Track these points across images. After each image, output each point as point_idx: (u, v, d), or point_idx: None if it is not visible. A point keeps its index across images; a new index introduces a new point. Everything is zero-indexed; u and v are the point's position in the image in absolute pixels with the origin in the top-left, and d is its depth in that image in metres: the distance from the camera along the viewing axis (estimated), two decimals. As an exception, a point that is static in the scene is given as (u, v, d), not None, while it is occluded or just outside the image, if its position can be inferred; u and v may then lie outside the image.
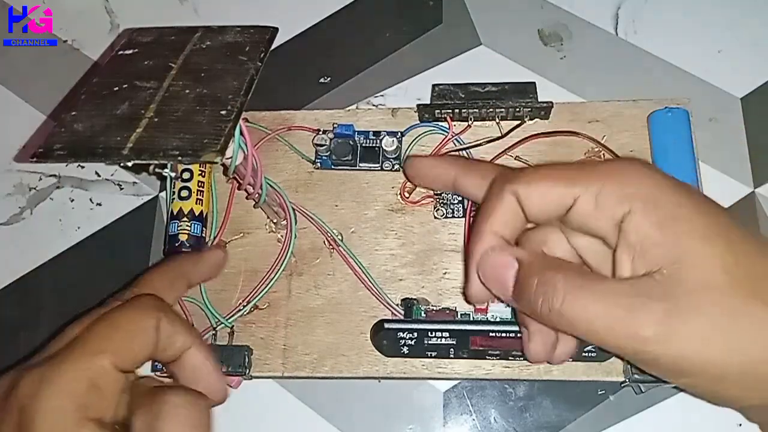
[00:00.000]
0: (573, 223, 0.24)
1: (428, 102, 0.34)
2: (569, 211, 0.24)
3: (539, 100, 0.33)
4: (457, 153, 0.34)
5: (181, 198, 0.34)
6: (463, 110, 0.34)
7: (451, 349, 0.30)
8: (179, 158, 0.22)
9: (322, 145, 0.35)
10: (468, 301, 0.28)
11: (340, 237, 0.34)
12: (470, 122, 0.35)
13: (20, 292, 0.38)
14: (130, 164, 0.23)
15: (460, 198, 0.34)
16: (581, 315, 0.22)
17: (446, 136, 0.35)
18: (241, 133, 0.25)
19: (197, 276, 0.32)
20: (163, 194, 0.39)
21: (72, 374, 0.22)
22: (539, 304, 0.23)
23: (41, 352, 0.24)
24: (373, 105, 0.39)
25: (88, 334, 0.23)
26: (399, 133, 0.35)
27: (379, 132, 0.35)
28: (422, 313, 0.31)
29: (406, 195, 0.35)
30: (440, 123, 0.35)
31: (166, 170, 0.27)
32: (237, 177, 0.28)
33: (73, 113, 0.24)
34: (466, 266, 0.28)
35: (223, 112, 0.24)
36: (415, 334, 0.29)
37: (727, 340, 0.21)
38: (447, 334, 0.29)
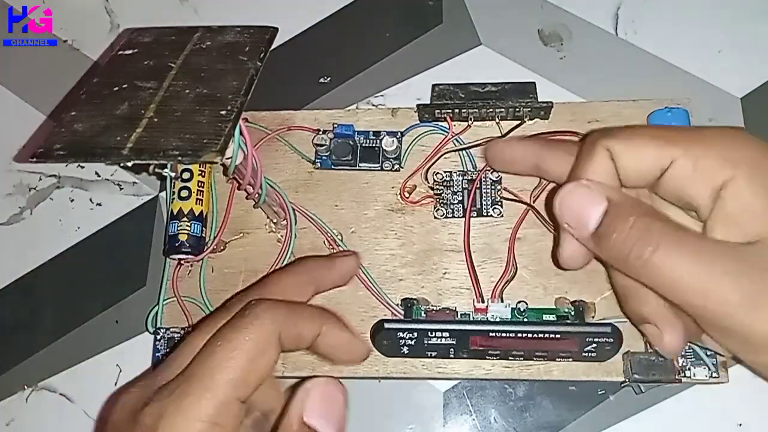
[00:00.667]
0: (667, 187, 0.23)
1: (428, 102, 0.34)
2: (664, 174, 0.22)
3: (539, 100, 0.33)
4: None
5: (181, 198, 0.34)
6: (463, 110, 0.34)
7: (451, 349, 0.30)
8: (179, 158, 0.22)
9: (322, 145, 0.35)
10: (560, 265, 0.25)
11: (340, 237, 0.34)
12: (470, 122, 0.35)
13: (20, 292, 0.38)
14: (130, 164, 0.23)
15: (460, 198, 0.34)
16: (674, 269, 0.20)
17: (446, 136, 0.35)
18: (241, 133, 0.25)
19: (327, 283, 0.30)
20: (163, 194, 0.39)
21: (193, 413, 0.21)
22: (629, 250, 0.21)
23: (164, 365, 0.23)
24: (373, 105, 0.39)
25: (208, 362, 0.22)
26: (399, 133, 0.35)
27: (379, 132, 0.35)
28: (422, 313, 0.31)
29: (406, 195, 0.35)
30: (440, 123, 0.35)
31: (166, 170, 0.27)
32: (237, 177, 0.28)
33: (73, 113, 0.24)
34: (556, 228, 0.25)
35: (223, 112, 0.24)
36: (415, 334, 0.29)
37: None
38: (447, 334, 0.29)
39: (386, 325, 0.30)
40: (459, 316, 0.31)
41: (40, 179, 0.41)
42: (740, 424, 0.31)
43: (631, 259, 0.21)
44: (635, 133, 0.23)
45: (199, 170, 0.34)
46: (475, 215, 0.33)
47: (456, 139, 0.35)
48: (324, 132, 0.35)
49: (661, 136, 0.23)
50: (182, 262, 0.34)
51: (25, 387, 0.36)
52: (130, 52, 0.27)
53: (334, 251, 0.34)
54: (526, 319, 0.31)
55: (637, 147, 0.23)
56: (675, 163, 0.22)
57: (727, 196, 0.21)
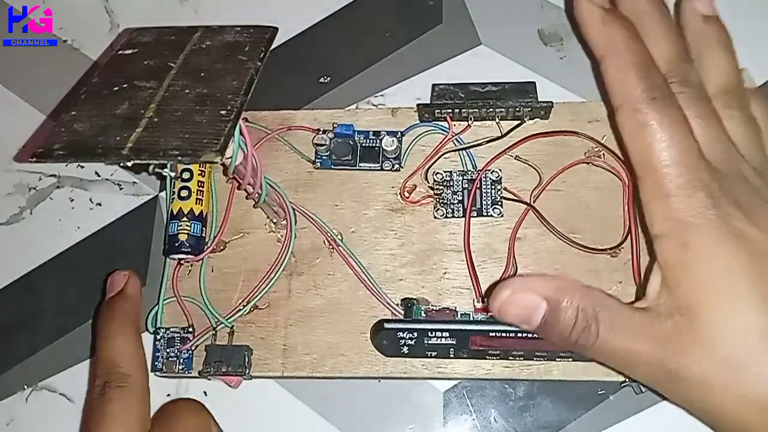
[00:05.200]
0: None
1: (428, 102, 0.34)
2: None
3: (539, 100, 0.33)
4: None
5: (180, 198, 0.34)
6: (463, 110, 0.34)
7: (451, 349, 0.30)
8: (179, 158, 0.22)
9: (322, 145, 0.35)
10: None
11: (340, 237, 0.34)
12: (470, 122, 0.35)
13: (20, 292, 0.38)
14: (130, 164, 0.23)
15: (460, 198, 0.34)
16: (613, 348, 0.24)
17: (446, 136, 0.35)
18: (241, 133, 0.25)
19: (136, 313, 0.34)
20: (162, 194, 0.39)
21: None
22: (574, 339, 0.24)
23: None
24: (373, 105, 0.39)
25: None
26: (399, 133, 0.35)
27: (379, 132, 0.35)
28: (422, 313, 0.31)
29: (406, 195, 0.35)
30: (440, 123, 0.35)
31: (165, 170, 0.27)
32: (237, 177, 0.28)
33: (73, 113, 0.24)
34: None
35: (222, 112, 0.24)
36: (415, 334, 0.29)
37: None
38: (447, 334, 0.29)
39: (386, 325, 0.30)
40: (459, 316, 0.31)
41: (40, 179, 0.41)
42: (740, 424, 0.31)
43: (575, 345, 0.24)
44: None
45: (199, 170, 0.34)
46: (475, 215, 0.33)
47: (456, 139, 0.35)
48: (324, 132, 0.35)
49: None
50: (182, 262, 0.34)
51: (25, 387, 0.36)
52: (130, 51, 0.27)
53: (333, 252, 0.34)
54: (526, 319, 0.31)
55: None
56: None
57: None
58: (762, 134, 0.28)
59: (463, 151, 0.35)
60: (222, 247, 0.35)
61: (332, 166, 0.35)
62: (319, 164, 0.35)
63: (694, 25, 0.29)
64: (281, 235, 0.34)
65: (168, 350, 0.33)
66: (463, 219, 0.33)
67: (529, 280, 0.25)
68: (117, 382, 0.28)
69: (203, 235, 0.34)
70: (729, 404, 0.23)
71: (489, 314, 0.31)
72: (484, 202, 0.34)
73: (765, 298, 0.22)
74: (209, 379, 0.33)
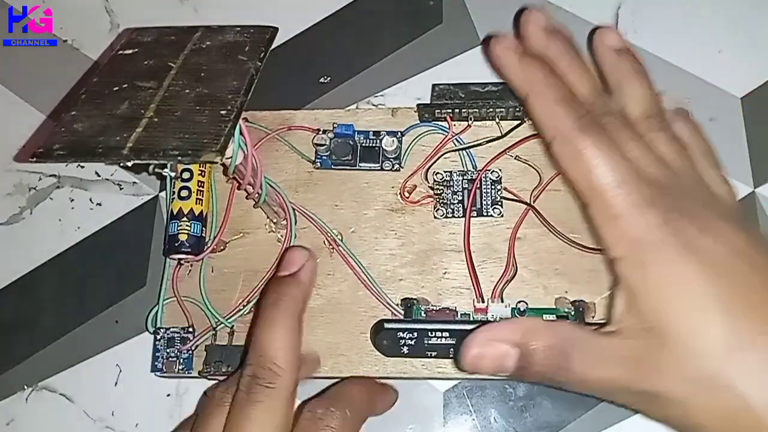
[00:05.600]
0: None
1: (428, 102, 0.34)
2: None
3: (539, 100, 0.33)
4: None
5: (180, 198, 0.34)
6: (463, 110, 0.34)
7: (451, 349, 0.30)
8: (179, 158, 0.22)
9: (322, 145, 0.35)
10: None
11: (340, 237, 0.34)
12: (470, 122, 0.35)
13: (20, 292, 0.38)
14: (130, 164, 0.23)
15: (460, 198, 0.34)
16: (586, 377, 0.24)
17: (446, 136, 0.35)
18: (241, 133, 0.25)
19: (367, 417, 0.30)
20: (162, 194, 0.39)
21: None
22: (549, 376, 0.25)
23: None
24: (373, 105, 0.39)
25: None
26: (399, 133, 0.35)
27: (379, 132, 0.35)
28: (422, 312, 0.31)
29: (406, 195, 0.35)
30: (440, 123, 0.35)
31: (165, 170, 0.27)
32: (237, 177, 0.28)
33: (73, 113, 0.24)
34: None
35: (222, 112, 0.24)
36: (415, 334, 0.29)
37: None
38: (447, 334, 0.29)
39: (386, 325, 0.30)
40: (459, 316, 0.31)
41: (40, 179, 0.41)
42: (740, 424, 0.31)
43: (553, 383, 0.25)
44: None
45: (199, 170, 0.34)
46: (475, 215, 0.33)
47: (456, 139, 0.35)
48: (324, 132, 0.35)
49: None
50: (182, 262, 0.34)
51: (25, 387, 0.36)
52: (130, 51, 0.27)
53: (333, 252, 0.34)
54: (526, 319, 0.31)
55: None
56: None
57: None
58: (689, 151, 0.28)
59: (463, 151, 0.35)
60: (222, 247, 0.35)
61: (332, 166, 0.35)
62: (319, 164, 0.35)
63: (608, 59, 0.30)
64: (281, 235, 0.34)
65: (168, 350, 0.33)
66: (463, 219, 0.33)
67: (495, 330, 0.25)
68: (267, 380, 0.25)
69: (203, 235, 0.34)
70: (705, 420, 0.23)
71: (489, 314, 0.31)
72: (484, 202, 0.34)
73: (727, 309, 0.22)
74: (209, 379, 0.33)
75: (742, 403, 0.22)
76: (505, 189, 0.34)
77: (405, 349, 0.30)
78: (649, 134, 0.27)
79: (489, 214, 0.33)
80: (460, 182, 0.34)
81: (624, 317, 0.24)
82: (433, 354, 0.30)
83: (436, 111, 0.34)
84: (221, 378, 0.32)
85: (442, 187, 0.34)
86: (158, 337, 0.33)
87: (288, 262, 0.29)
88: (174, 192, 0.34)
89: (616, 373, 0.24)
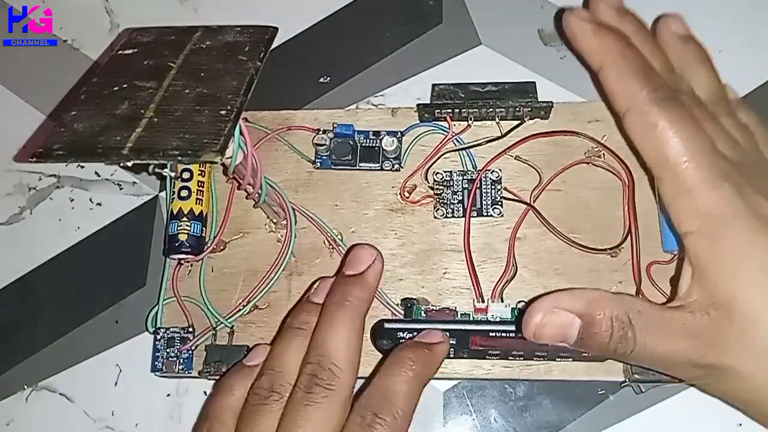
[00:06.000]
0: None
1: (428, 102, 0.34)
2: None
3: (539, 100, 0.33)
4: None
5: (180, 198, 0.34)
6: (463, 110, 0.34)
7: (451, 349, 0.30)
8: (179, 158, 0.22)
9: (322, 145, 0.35)
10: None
11: (340, 237, 0.34)
12: (470, 122, 0.35)
13: (20, 292, 0.38)
14: (130, 164, 0.23)
15: (460, 198, 0.34)
16: (650, 352, 0.24)
17: (446, 136, 0.35)
18: (241, 133, 0.25)
19: (429, 378, 0.28)
20: (162, 194, 0.39)
21: None
22: (612, 349, 0.24)
23: None
24: (373, 105, 0.39)
25: None
26: (399, 133, 0.35)
27: (379, 132, 0.35)
28: (422, 313, 0.31)
29: (406, 195, 0.35)
30: (440, 123, 0.35)
31: (165, 170, 0.27)
32: (237, 177, 0.28)
33: (73, 113, 0.24)
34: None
35: (222, 112, 0.24)
36: (415, 334, 0.29)
37: None
38: (447, 334, 0.29)
39: (386, 325, 0.30)
40: (459, 316, 0.31)
41: (40, 179, 0.41)
42: (740, 424, 0.31)
43: (615, 354, 0.24)
44: None
45: (199, 170, 0.34)
46: (475, 215, 0.33)
47: (456, 139, 0.35)
48: (324, 132, 0.35)
49: None
50: (182, 262, 0.34)
51: (25, 387, 0.36)
52: (129, 51, 0.27)
53: (333, 252, 0.34)
54: (526, 319, 0.31)
55: None
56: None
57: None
58: (756, 138, 0.28)
59: (463, 151, 0.35)
60: (222, 247, 0.35)
61: (332, 166, 0.35)
62: (319, 164, 0.35)
63: (674, 45, 0.30)
64: (281, 235, 0.34)
65: (168, 350, 0.33)
66: (463, 219, 0.33)
67: (559, 299, 0.24)
68: (326, 381, 0.25)
69: (203, 235, 0.34)
70: None
71: (489, 314, 0.31)
72: (484, 202, 0.34)
73: None
74: (209, 379, 0.33)
75: None
76: (505, 189, 0.34)
77: (405, 349, 0.30)
78: (718, 117, 0.27)
79: (489, 214, 0.33)
80: (460, 182, 0.34)
81: (692, 292, 0.24)
82: (433, 354, 0.30)
83: (436, 111, 0.34)
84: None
85: (442, 187, 0.34)
86: (158, 337, 0.33)
87: (355, 261, 0.29)
88: (174, 192, 0.34)
89: (681, 346, 0.23)
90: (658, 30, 0.31)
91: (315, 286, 0.30)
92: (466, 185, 0.34)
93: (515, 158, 0.34)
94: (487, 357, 0.30)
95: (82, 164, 0.40)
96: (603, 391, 0.32)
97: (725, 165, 0.24)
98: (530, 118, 0.34)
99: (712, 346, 0.23)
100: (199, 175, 0.34)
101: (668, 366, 0.25)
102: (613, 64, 0.26)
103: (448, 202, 0.34)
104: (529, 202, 0.33)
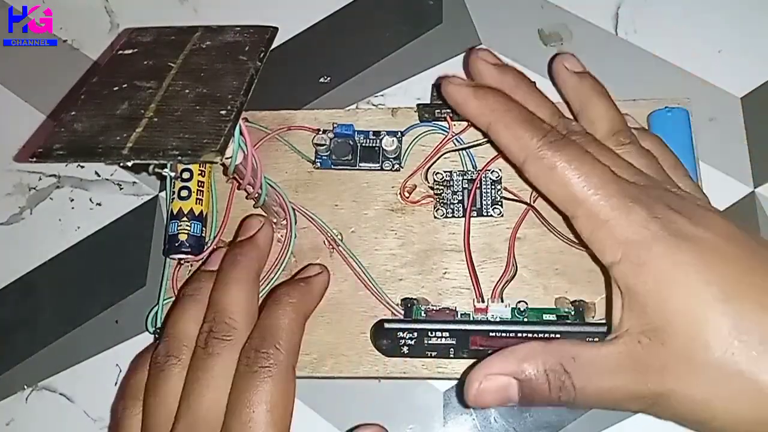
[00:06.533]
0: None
1: (428, 102, 0.34)
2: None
3: (539, 100, 0.33)
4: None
5: (180, 198, 0.34)
6: (463, 110, 0.34)
7: (451, 349, 0.30)
8: (179, 158, 0.22)
9: (322, 145, 0.35)
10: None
11: (340, 237, 0.34)
12: (470, 122, 0.35)
13: (20, 292, 0.38)
14: (130, 164, 0.23)
15: (460, 198, 0.34)
16: (595, 392, 0.24)
17: (446, 136, 0.35)
18: (241, 133, 0.25)
19: (311, 310, 0.30)
20: (162, 194, 0.39)
21: None
22: (556, 399, 0.24)
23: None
24: (373, 105, 0.39)
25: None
26: (399, 133, 0.35)
27: (379, 132, 0.35)
28: (422, 312, 0.31)
29: (406, 195, 0.35)
30: (440, 123, 0.35)
31: (165, 170, 0.27)
32: (237, 177, 0.28)
33: (73, 113, 0.24)
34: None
35: (222, 112, 0.24)
36: (415, 334, 0.29)
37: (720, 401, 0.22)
38: (447, 334, 0.29)
39: (386, 325, 0.30)
40: (459, 316, 0.31)
41: (40, 179, 0.41)
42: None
43: (561, 404, 0.24)
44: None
45: (199, 170, 0.34)
46: (475, 215, 0.33)
47: (456, 139, 0.35)
48: (324, 132, 0.35)
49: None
50: (182, 262, 0.34)
51: (25, 387, 0.36)
52: (129, 51, 0.27)
53: (333, 252, 0.34)
54: (526, 319, 0.31)
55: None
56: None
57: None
58: (660, 163, 0.28)
59: (463, 151, 0.35)
60: (222, 247, 0.35)
61: (332, 166, 0.35)
62: (319, 164, 0.35)
63: (571, 82, 0.31)
64: (281, 235, 0.34)
65: (168, 350, 0.33)
66: (463, 219, 0.33)
67: (491, 364, 0.25)
68: (222, 334, 0.27)
69: (203, 235, 0.34)
70: (721, 411, 0.22)
71: (489, 314, 0.31)
72: (484, 202, 0.34)
73: (727, 294, 0.22)
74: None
75: (755, 386, 0.21)
76: (505, 189, 0.34)
77: (405, 349, 0.30)
78: (618, 148, 0.28)
79: (489, 214, 0.33)
80: (460, 182, 0.34)
81: (623, 322, 0.24)
82: (433, 354, 0.30)
83: (436, 111, 0.34)
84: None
85: (442, 187, 0.34)
86: (158, 337, 0.33)
87: (245, 228, 0.32)
88: (174, 192, 0.34)
89: (621, 381, 0.23)
90: (554, 70, 0.32)
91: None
92: (466, 185, 0.34)
93: (515, 158, 0.34)
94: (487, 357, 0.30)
95: (82, 164, 0.40)
96: (603, 391, 0.32)
97: (632, 190, 0.24)
98: (496, 148, 0.34)
99: (651, 373, 0.23)
100: (199, 175, 0.34)
101: (615, 403, 0.24)
102: (499, 120, 0.27)
103: (448, 202, 0.34)
104: (529, 202, 0.33)
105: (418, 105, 0.35)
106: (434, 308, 0.32)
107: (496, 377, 0.24)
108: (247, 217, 0.33)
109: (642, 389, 0.23)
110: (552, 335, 0.28)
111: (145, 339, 0.35)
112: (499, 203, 0.33)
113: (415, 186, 0.35)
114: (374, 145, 0.35)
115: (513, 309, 0.31)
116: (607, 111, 0.29)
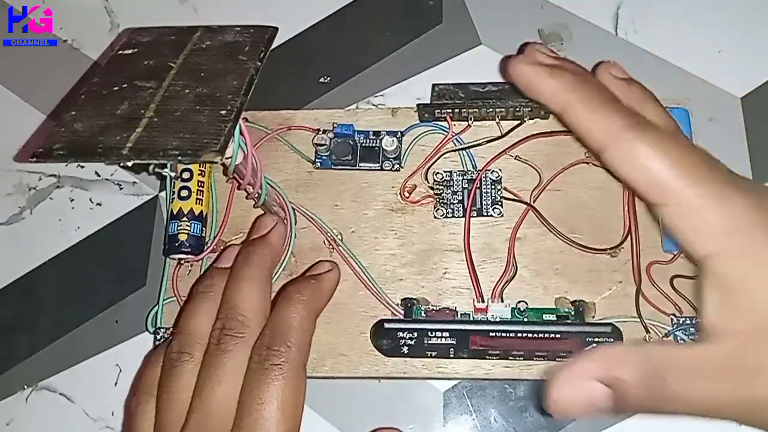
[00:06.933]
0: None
1: (428, 102, 0.34)
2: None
3: (539, 100, 0.33)
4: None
5: (180, 198, 0.34)
6: (463, 110, 0.34)
7: (451, 349, 0.30)
8: (179, 158, 0.22)
9: (322, 145, 0.35)
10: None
11: (340, 237, 0.34)
12: (470, 122, 0.35)
13: (20, 292, 0.38)
14: (130, 164, 0.23)
15: (460, 198, 0.34)
16: (687, 400, 0.21)
17: (446, 136, 0.35)
18: (241, 133, 0.25)
19: (323, 307, 0.30)
20: (162, 194, 0.39)
21: None
22: (647, 406, 0.22)
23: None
24: (373, 105, 0.39)
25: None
26: (399, 133, 0.35)
27: (379, 132, 0.35)
28: (422, 312, 0.31)
29: (406, 195, 0.35)
30: (440, 123, 0.35)
31: (165, 170, 0.27)
32: (237, 177, 0.28)
33: (73, 113, 0.24)
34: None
35: (222, 112, 0.24)
36: (415, 334, 0.29)
37: None
38: (447, 334, 0.29)
39: (386, 325, 0.30)
40: (459, 316, 0.31)
41: (40, 179, 0.41)
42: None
43: (658, 411, 0.22)
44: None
45: (199, 170, 0.34)
46: (475, 215, 0.33)
47: (456, 139, 0.35)
48: (324, 132, 0.35)
49: None
50: (182, 261, 0.34)
51: (25, 387, 0.36)
52: (129, 51, 0.27)
53: (333, 252, 0.34)
54: (526, 319, 0.31)
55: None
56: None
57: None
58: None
59: (463, 151, 0.35)
60: (222, 247, 0.35)
61: (332, 166, 0.35)
62: (319, 164, 0.35)
63: (619, 88, 0.29)
64: (281, 235, 0.34)
65: (168, 350, 0.33)
66: (463, 219, 0.33)
67: (577, 368, 0.22)
68: (234, 331, 0.27)
69: (203, 235, 0.34)
70: None
71: (489, 314, 0.31)
72: (484, 202, 0.34)
73: None
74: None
75: None
76: (505, 189, 0.34)
77: (405, 349, 0.30)
78: None
79: (489, 214, 0.33)
80: (460, 182, 0.34)
81: (723, 321, 0.21)
82: (433, 354, 0.30)
83: (436, 111, 0.34)
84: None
85: (442, 187, 0.34)
86: (158, 337, 0.33)
87: (259, 227, 0.32)
88: (174, 192, 0.34)
89: (723, 387, 0.21)
90: (599, 76, 0.30)
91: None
92: (466, 185, 0.34)
93: (515, 158, 0.34)
94: (487, 357, 0.30)
95: (82, 164, 0.40)
96: (603, 391, 0.32)
97: (723, 176, 0.23)
98: (530, 118, 0.34)
99: (759, 377, 0.20)
100: (199, 175, 0.34)
101: (716, 411, 0.21)
102: (579, 100, 0.25)
103: (448, 202, 0.34)
104: (529, 202, 0.33)
105: (418, 105, 0.35)
106: (434, 308, 0.32)
107: (583, 383, 0.22)
108: (260, 216, 0.33)
109: (750, 395, 0.21)
110: (552, 335, 0.28)
111: (145, 339, 0.35)
112: (499, 203, 0.33)
113: (415, 186, 0.35)
114: (374, 145, 0.35)
115: (513, 309, 0.31)
116: (659, 115, 0.28)
